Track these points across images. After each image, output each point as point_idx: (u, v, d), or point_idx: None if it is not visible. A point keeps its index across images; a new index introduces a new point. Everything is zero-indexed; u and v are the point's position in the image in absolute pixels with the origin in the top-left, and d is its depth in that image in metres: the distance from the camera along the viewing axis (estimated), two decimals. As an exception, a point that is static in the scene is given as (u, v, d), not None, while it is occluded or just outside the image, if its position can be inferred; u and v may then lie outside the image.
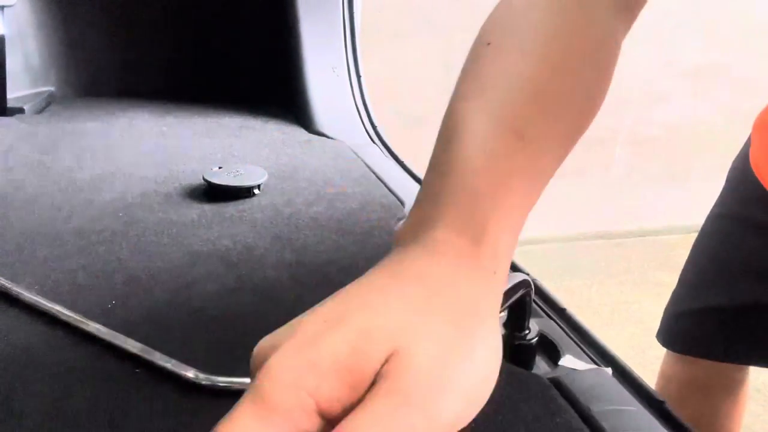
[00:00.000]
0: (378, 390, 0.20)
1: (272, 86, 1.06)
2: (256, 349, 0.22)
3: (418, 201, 0.28)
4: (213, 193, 0.65)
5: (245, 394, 0.20)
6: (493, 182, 0.27)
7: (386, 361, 0.20)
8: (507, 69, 0.30)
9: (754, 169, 0.71)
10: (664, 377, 0.83)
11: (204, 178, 0.66)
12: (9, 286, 0.45)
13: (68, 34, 1.05)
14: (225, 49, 1.10)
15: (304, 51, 0.97)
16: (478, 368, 0.22)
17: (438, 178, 0.28)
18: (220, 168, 0.68)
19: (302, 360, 0.20)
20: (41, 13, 1.03)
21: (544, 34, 0.31)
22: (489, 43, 0.31)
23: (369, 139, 0.92)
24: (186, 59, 1.10)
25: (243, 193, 0.66)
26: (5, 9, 0.86)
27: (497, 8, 0.33)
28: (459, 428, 0.21)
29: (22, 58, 1.01)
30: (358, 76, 0.98)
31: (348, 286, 0.24)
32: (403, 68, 1.75)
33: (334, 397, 0.20)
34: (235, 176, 0.67)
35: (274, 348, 0.21)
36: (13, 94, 0.95)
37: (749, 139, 0.74)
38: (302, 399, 0.20)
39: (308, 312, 0.23)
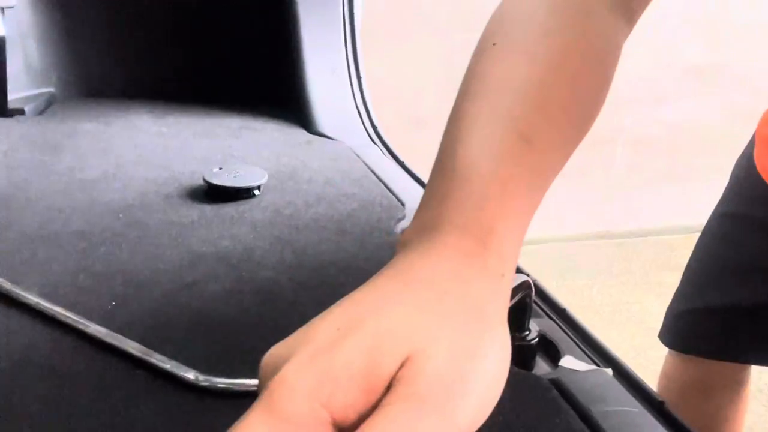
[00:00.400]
0: (394, 395, 0.20)
1: (273, 87, 1.06)
2: (266, 358, 0.22)
3: (424, 203, 0.28)
4: (213, 194, 0.65)
5: (256, 403, 0.20)
6: (500, 186, 0.27)
7: (401, 365, 0.20)
8: (513, 72, 0.30)
9: (759, 168, 0.70)
10: (666, 377, 0.82)
11: (204, 179, 0.66)
12: (10, 287, 0.45)
13: (69, 36, 1.05)
14: (225, 50, 1.10)
15: (304, 52, 0.97)
16: (490, 370, 0.22)
17: (444, 181, 0.28)
18: (220, 169, 0.68)
19: (316, 370, 0.20)
20: (42, 14, 1.03)
21: (549, 37, 0.31)
22: (494, 44, 0.31)
23: (369, 140, 0.92)
24: (186, 60, 1.10)
25: (243, 193, 0.66)
26: (6, 10, 0.86)
27: (501, 7, 0.33)
28: (474, 430, 0.21)
29: (22, 59, 1.01)
30: (359, 77, 0.98)
31: (356, 291, 0.23)
32: (404, 69, 1.75)
33: (348, 404, 0.20)
34: (235, 177, 0.67)
35: (285, 357, 0.21)
36: (13, 96, 0.95)
37: (753, 137, 0.74)
38: (316, 410, 0.19)
39: (317, 319, 0.22)
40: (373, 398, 0.20)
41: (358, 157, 0.82)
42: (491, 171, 0.27)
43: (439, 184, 0.28)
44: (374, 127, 0.94)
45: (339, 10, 0.99)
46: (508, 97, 0.29)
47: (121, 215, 0.61)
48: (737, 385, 0.80)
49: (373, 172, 0.77)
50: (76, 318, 0.42)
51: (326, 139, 0.89)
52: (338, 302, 0.23)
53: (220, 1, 1.07)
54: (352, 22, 0.99)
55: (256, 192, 0.67)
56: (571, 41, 0.31)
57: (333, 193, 0.69)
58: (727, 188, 0.77)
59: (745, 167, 0.73)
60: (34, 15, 1.02)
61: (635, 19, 0.35)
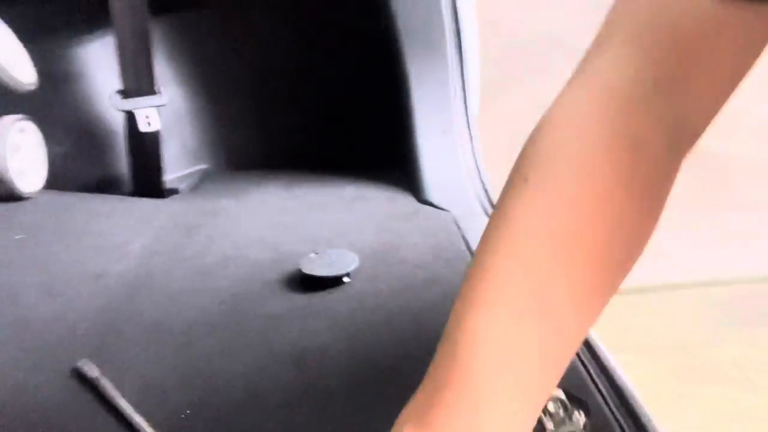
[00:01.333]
0: None
1: (389, 153, 1.08)
2: None
3: (425, 382, 0.28)
4: (306, 283, 0.68)
5: None
6: (498, 393, 0.26)
7: None
8: (543, 221, 0.27)
9: None
10: None
11: (299, 269, 0.68)
12: (107, 389, 0.51)
13: (216, 118, 1.20)
14: (348, 120, 1.16)
15: (415, 116, 0.97)
16: None
17: (445, 364, 0.28)
18: (316, 254, 0.71)
19: None
20: (193, 101, 1.18)
21: (592, 178, 0.27)
22: (527, 180, 0.28)
23: (479, 209, 0.88)
24: (312, 131, 1.18)
25: (333, 282, 0.67)
26: (160, 108, 1.01)
27: (540, 133, 0.30)
28: None
29: (179, 141, 1.17)
30: (471, 139, 0.95)
31: None
32: (519, 120, 1.66)
33: None
34: (328, 264, 0.68)
35: None
36: (170, 176, 1.10)
37: None
38: None
39: None
40: None
41: (461, 231, 0.79)
42: (492, 370, 0.26)
43: (441, 365, 0.28)
44: (486, 194, 0.90)
45: (450, 69, 0.97)
46: (532, 259, 0.27)
47: (222, 305, 0.66)
48: None
49: (472, 250, 0.73)
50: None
51: (432, 208, 0.88)
52: None
53: (340, 78, 1.13)
54: (464, 80, 0.97)
55: (345, 279, 0.67)
56: (617, 183, 0.27)
57: (421, 277, 0.67)
58: None
59: None
60: (186, 102, 1.18)
61: (688, 153, 0.29)
